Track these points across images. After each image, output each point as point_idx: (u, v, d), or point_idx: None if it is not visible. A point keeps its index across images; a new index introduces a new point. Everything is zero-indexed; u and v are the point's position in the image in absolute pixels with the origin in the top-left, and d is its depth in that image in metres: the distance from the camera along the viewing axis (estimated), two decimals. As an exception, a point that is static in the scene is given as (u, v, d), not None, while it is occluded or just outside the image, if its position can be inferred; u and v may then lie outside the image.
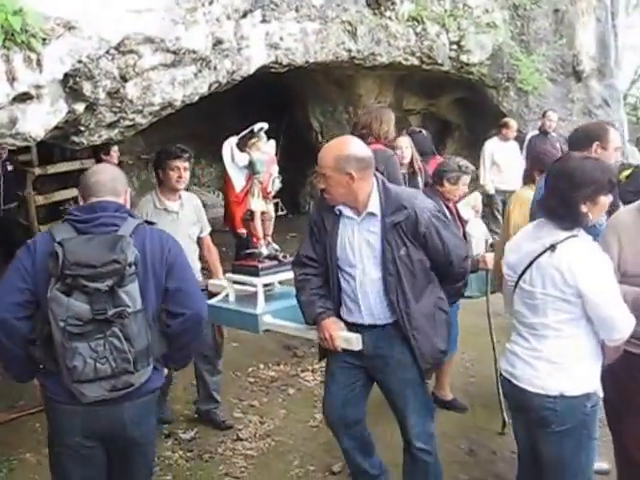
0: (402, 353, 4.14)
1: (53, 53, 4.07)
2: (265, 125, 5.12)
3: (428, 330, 4.13)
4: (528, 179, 5.71)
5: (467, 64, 10.23)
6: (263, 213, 5.26)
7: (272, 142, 5.33)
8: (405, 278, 4.06)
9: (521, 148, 10.88)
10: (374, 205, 4.07)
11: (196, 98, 5.60)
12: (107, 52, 4.53)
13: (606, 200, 3.62)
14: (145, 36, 4.78)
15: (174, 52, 5.09)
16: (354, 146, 4.08)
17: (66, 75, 4.35)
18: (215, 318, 5.14)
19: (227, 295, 5.21)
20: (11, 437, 5.71)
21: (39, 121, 4.29)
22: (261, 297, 4.88)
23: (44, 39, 3.94)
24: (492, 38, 10.50)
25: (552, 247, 3.53)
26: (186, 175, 5.70)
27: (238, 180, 5.12)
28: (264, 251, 5.12)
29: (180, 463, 5.55)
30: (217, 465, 5.49)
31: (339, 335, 4.14)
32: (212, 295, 5.47)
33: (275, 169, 5.33)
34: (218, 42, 5.62)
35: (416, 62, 9.73)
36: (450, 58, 10.02)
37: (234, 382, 6.85)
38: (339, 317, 4.23)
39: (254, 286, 5.03)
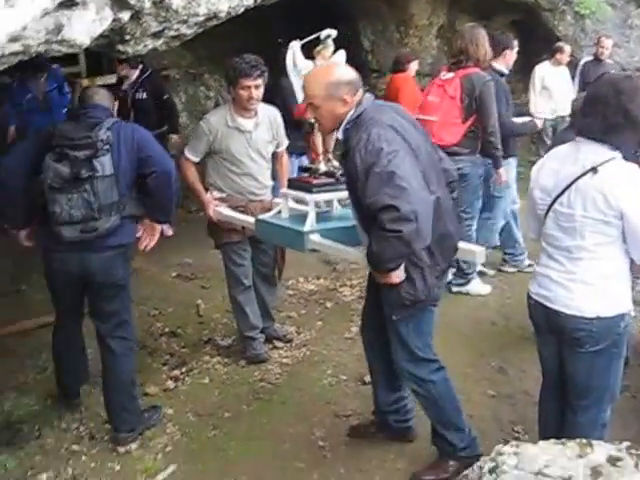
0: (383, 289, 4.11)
1: (98, -40, 4.12)
2: (333, 32, 4.93)
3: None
4: None
5: None
6: None
7: (342, 52, 5.17)
8: (359, 213, 4.01)
9: (573, 74, 10.70)
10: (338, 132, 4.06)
11: (241, 10, 5.55)
12: (153, -41, 4.56)
13: None
14: (192, -57, 4.78)
15: (221, -39, 5.08)
16: (341, 70, 4.08)
17: (112, -17, 4.40)
18: (262, 234, 5.11)
19: (280, 212, 4.96)
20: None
21: (85, 28, 4.33)
22: (312, 215, 4.58)
23: (88, -56, 3.99)
24: (550, -41, 10.20)
25: (593, 169, 3.55)
26: (258, 93, 5.49)
27: (300, 88, 4.90)
28: (322, 167, 4.80)
29: (217, 368, 5.79)
30: (253, 371, 5.72)
31: None
32: None
33: None
34: (265, -49, 5.58)
35: (469, -19, 9.58)
36: (506, -23, 9.81)
37: (273, 294, 7.03)
38: None
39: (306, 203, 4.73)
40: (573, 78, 10.57)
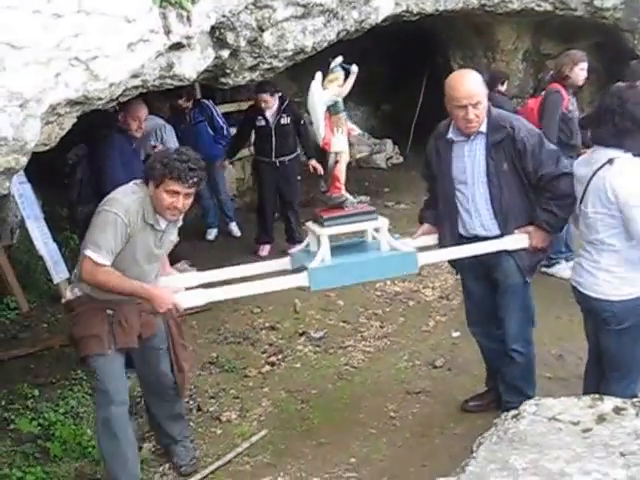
0: (507, 261, 4.82)
1: (201, 10, 5.03)
2: (340, 58, 4.65)
3: None
4: None
5: (601, 9, 10.42)
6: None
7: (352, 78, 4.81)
8: (507, 192, 4.68)
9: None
10: (483, 124, 4.67)
11: (325, 44, 6.44)
12: (246, 7, 5.46)
13: None
14: (278, -8, 5.69)
15: (304, 6, 5.94)
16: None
17: (212, 27, 5.31)
18: (353, 276, 4.82)
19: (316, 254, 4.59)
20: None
21: (191, 65, 5.30)
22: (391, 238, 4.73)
23: (193, -1, 4.94)
24: (626, -18, 10.55)
25: (598, 169, 4.19)
26: (187, 204, 4.41)
27: (322, 121, 4.62)
28: (351, 197, 4.73)
29: (309, 355, 6.63)
30: (339, 357, 6.54)
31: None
32: None
33: None
34: (344, -5, 6.43)
35: (549, 8, 10.11)
36: (584, 3, 10.28)
37: (362, 294, 7.82)
38: (456, 231, 4.91)
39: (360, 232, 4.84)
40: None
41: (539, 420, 3.59)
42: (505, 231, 4.76)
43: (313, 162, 8.80)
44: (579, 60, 7.60)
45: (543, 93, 7.84)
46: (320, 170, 9.01)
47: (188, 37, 4.97)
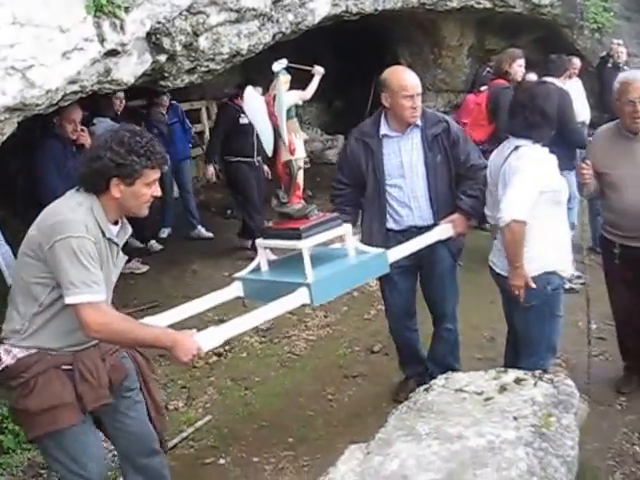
0: (441, 249, 5.14)
1: (135, 18, 5.28)
2: (285, 61, 4.30)
3: None
4: None
5: (538, 5, 10.78)
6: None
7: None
8: (440, 182, 5.03)
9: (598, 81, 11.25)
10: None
11: (260, 47, 6.71)
12: (180, 14, 5.71)
13: None
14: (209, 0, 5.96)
15: (237, 11, 6.19)
16: None
17: (148, 33, 5.57)
18: (342, 286, 4.50)
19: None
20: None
21: (129, 70, 5.55)
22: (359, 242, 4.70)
23: (127, 8, 5.18)
24: (562, -22, 10.88)
25: (508, 157, 4.56)
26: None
27: (284, 126, 4.30)
28: (312, 207, 4.44)
29: (255, 345, 6.93)
30: (283, 346, 6.85)
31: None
32: None
33: None
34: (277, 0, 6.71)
35: (489, 5, 10.44)
36: (522, 0, 10.64)
37: (308, 287, 8.11)
38: (384, 226, 5.14)
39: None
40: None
41: (446, 391, 3.92)
42: (438, 220, 5.06)
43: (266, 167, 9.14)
44: (516, 57, 8.00)
45: (484, 88, 8.19)
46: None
47: (123, 44, 5.22)
